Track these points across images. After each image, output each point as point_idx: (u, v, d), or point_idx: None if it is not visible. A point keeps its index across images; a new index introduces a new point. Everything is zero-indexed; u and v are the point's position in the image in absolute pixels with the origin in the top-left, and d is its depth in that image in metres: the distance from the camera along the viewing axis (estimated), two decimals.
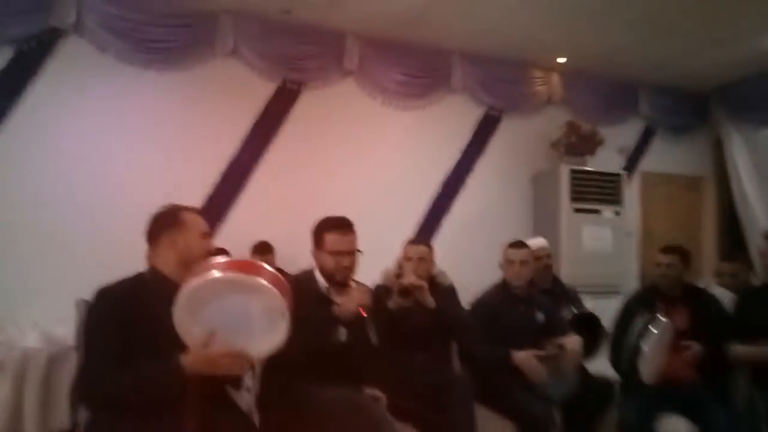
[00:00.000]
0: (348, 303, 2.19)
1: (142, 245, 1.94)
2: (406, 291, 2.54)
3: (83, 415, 1.87)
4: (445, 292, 2.85)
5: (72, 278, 2.75)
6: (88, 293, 1.83)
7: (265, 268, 1.67)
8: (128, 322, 1.72)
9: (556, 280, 3.58)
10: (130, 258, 1.95)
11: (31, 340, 2.84)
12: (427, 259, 2.82)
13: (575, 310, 3.25)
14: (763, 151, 5.32)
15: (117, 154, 4.00)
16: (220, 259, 1.69)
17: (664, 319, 2.63)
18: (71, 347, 2.61)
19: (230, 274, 1.61)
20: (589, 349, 2.95)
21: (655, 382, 2.57)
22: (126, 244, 2.74)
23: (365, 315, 2.19)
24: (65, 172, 3.86)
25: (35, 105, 3.83)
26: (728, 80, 5.48)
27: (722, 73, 5.33)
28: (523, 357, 2.68)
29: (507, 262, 2.95)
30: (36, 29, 3.79)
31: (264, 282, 1.60)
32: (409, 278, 2.61)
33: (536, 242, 3.63)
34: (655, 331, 2.57)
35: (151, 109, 4.14)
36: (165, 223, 1.90)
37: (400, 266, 2.79)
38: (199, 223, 1.93)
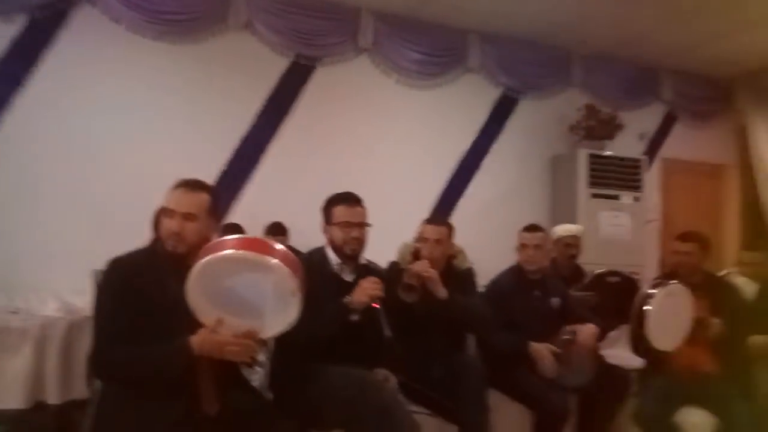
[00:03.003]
0: (360, 295, 2.17)
1: None
2: (409, 287, 2.39)
3: (98, 385, 1.88)
4: (460, 278, 2.72)
5: (90, 249, 2.72)
6: (104, 264, 1.82)
7: (277, 247, 1.66)
8: (138, 292, 1.72)
9: (577, 269, 3.50)
10: (146, 228, 1.92)
11: (51, 308, 2.87)
12: (444, 241, 2.64)
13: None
14: None
15: (130, 126, 3.96)
16: (232, 236, 1.66)
17: (672, 282, 2.56)
18: (89, 317, 2.62)
19: (242, 252, 1.60)
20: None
21: (674, 358, 2.49)
22: (141, 214, 2.76)
23: (378, 306, 2.16)
24: (78, 142, 3.83)
25: (49, 74, 3.78)
26: (754, 66, 5.33)
27: (748, 58, 5.19)
28: (539, 349, 2.63)
29: (521, 246, 2.90)
30: None
31: (276, 261, 1.59)
32: (418, 266, 2.45)
33: (564, 228, 3.58)
34: (659, 291, 2.51)
35: (164, 81, 4.08)
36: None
37: (416, 248, 2.66)
38: (168, 201, 1.82)
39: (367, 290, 2.16)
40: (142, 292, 1.72)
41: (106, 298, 1.77)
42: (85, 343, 2.70)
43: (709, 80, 5.64)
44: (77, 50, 3.86)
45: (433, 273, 2.45)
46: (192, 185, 1.85)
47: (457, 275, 2.72)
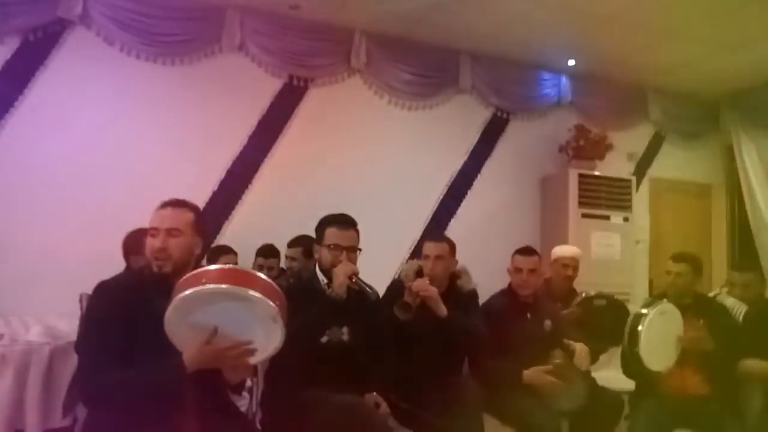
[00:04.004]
0: (335, 279, 2.19)
1: None
2: (405, 305, 2.40)
3: (82, 411, 1.84)
4: (463, 298, 2.70)
5: (75, 273, 2.73)
6: (90, 287, 1.81)
7: (257, 277, 1.65)
8: (126, 317, 1.70)
9: (572, 291, 3.48)
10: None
11: (34, 333, 2.81)
12: (445, 257, 2.65)
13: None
14: None
15: (121, 147, 3.95)
16: (213, 267, 1.66)
17: (664, 301, 2.57)
18: (73, 341, 2.58)
19: (221, 286, 1.57)
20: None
21: (667, 378, 2.49)
22: None
23: (353, 280, 2.18)
24: (70, 164, 3.82)
25: (42, 95, 3.79)
26: (740, 86, 5.42)
27: (734, 79, 5.27)
28: (534, 375, 2.62)
29: (515, 270, 2.88)
30: (43, 19, 3.76)
31: (255, 293, 1.58)
32: (417, 284, 2.46)
33: (563, 249, 3.56)
34: (651, 311, 2.51)
35: (157, 102, 4.09)
36: None
37: (419, 266, 2.64)
38: (152, 220, 1.82)
39: (340, 271, 2.18)
40: (130, 316, 1.70)
41: (94, 323, 1.75)
42: (68, 370, 2.65)
43: (697, 100, 5.71)
44: (70, 71, 3.87)
45: (432, 291, 2.45)
46: (174, 203, 1.85)
47: (460, 296, 2.70)
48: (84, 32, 3.90)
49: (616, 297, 3.35)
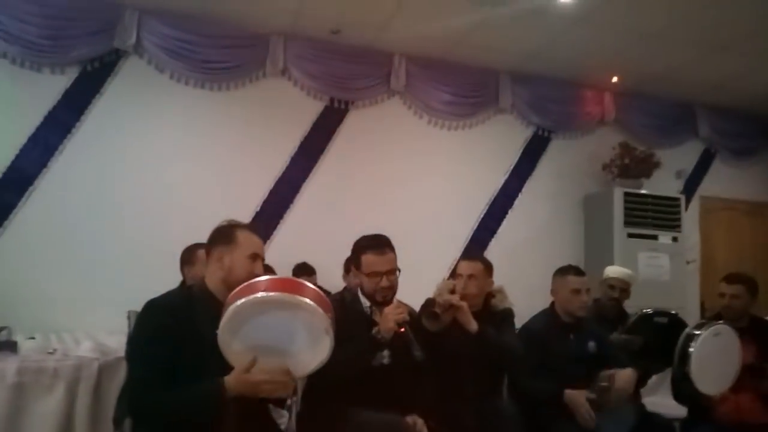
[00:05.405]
0: (384, 323, 2.14)
1: None
2: (433, 314, 2.33)
3: (128, 427, 1.89)
4: (497, 317, 2.64)
5: (125, 290, 2.83)
6: (139, 305, 1.85)
7: (308, 286, 1.68)
8: (174, 336, 1.73)
9: (621, 311, 3.36)
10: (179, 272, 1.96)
11: (85, 349, 2.91)
12: (478, 276, 2.58)
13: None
14: None
15: (171, 170, 4.12)
16: (263, 278, 1.68)
17: (720, 323, 2.46)
18: (122, 357, 2.66)
19: (273, 294, 1.60)
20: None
21: (721, 403, 2.38)
22: (177, 258, 2.83)
23: (404, 331, 2.12)
24: (121, 187, 4.00)
25: (98, 121, 4.01)
26: None
27: None
28: (575, 397, 2.52)
29: (572, 291, 2.72)
30: (100, 50, 3.99)
31: (307, 300, 1.60)
32: (445, 296, 2.39)
33: (613, 270, 3.44)
34: (704, 332, 2.42)
35: (205, 126, 4.26)
36: (218, 239, 1.89)
37: (453, 285, 2.57)
38: (252, 244, 1.87)
39: (391, 315, 2.12)
40: (177, 335, 1.73)
41: (142, 340, 1.78)
42: (116, 385, 2.72)
43: (748, 116, 5.52)
44: (125, 98, 4.08)
45: (462, 304, 2.39)
46: (254, 228, 1.94)
47: (495, 314, 2.64)
48: (137, 61, 4.12)
49: (678, 315, 3.18)
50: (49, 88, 3.91)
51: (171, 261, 2.89)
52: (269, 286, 1.63)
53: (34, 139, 3.84)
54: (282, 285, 1.65)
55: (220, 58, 4.24)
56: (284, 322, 1.62)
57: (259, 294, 1.60)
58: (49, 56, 3.87)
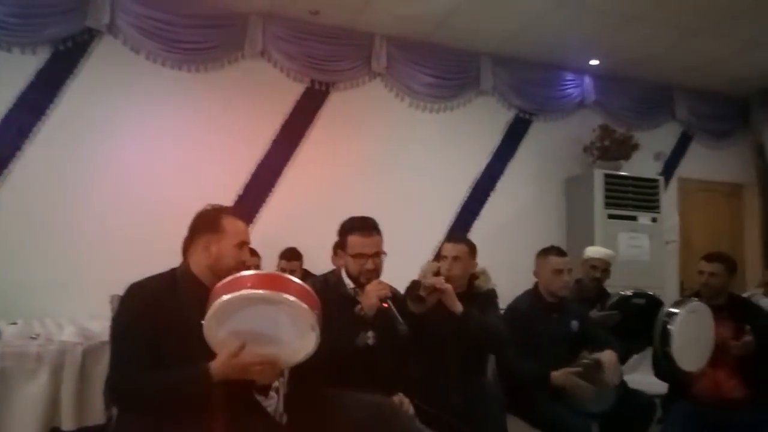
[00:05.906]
0: (367, 299, 2.14)
1: (173, 243, 1.91)
2: (418, 297, 2.35)
3: (115, 411, 1.86)
4: (481, 298, 2.66)
5: (107, 275, 2.78)
6: (121, 289, 1.82)
7: (294, 282, 1.65)
8: (157, 319, 1.70)
9: (602, 291, 3.42)
10: (162, 255, 1.92)
11: (68, 334, 2.87)
12: (463, 258, 2.60)
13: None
14: None
15: (148, 153, 4.04)
16: (249, 272, 1.66)
17: (695, 300, 2.51)
18: (106, 342, 2.63)
19: (259, 292, 1.59)
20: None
21: (700, 380, 2.44)
22: (158, 241, 2.79)
23: (386, 306, 2.12)
24: (99, 169, 3.91)
25: (72, 103, 3.90)
26: None
27: (763, 76, 5.15)
28: (562, 377, 2.57)
29: (554, 271, 2.77)
30: (72, 30, 3.87)
31: (292, 298, 1.59)
32: (431, 279, 2.42)
33: (594, 250, 3.50)
34: (682, 310, 2.47)
35: (182, 108, 4.17)
36: (203, 226, 1.85)
37: (438, 267, 2.61)
38: (239, 232, 1.85)
39: (373, 292, 2.13)
40: (161, 319, 1.71)
41: (125, 324, 1.75)
42: (101, 369, 2.70)
43: (725, 98, 5.60)
44: (99, 79, 3.97)
45: (447, 286, 2.41)
46: (239, 213, 1.93)
47: (478, 295, 2.67)
48: (111, 41, 4.00)
49: (655, 295, 3.24)
50: (20, 69, 3.78)
51: (152, 243, 2.86)
52: (255, 283, 1.61)
53: (6, 122, 3.73)
54: (268, 282, 1.63)
55: (197, 38, 4.14)
56: (270, 316, 1.62)
57: (244, 291, 1.58)
58: (18, 36, 3.74)
